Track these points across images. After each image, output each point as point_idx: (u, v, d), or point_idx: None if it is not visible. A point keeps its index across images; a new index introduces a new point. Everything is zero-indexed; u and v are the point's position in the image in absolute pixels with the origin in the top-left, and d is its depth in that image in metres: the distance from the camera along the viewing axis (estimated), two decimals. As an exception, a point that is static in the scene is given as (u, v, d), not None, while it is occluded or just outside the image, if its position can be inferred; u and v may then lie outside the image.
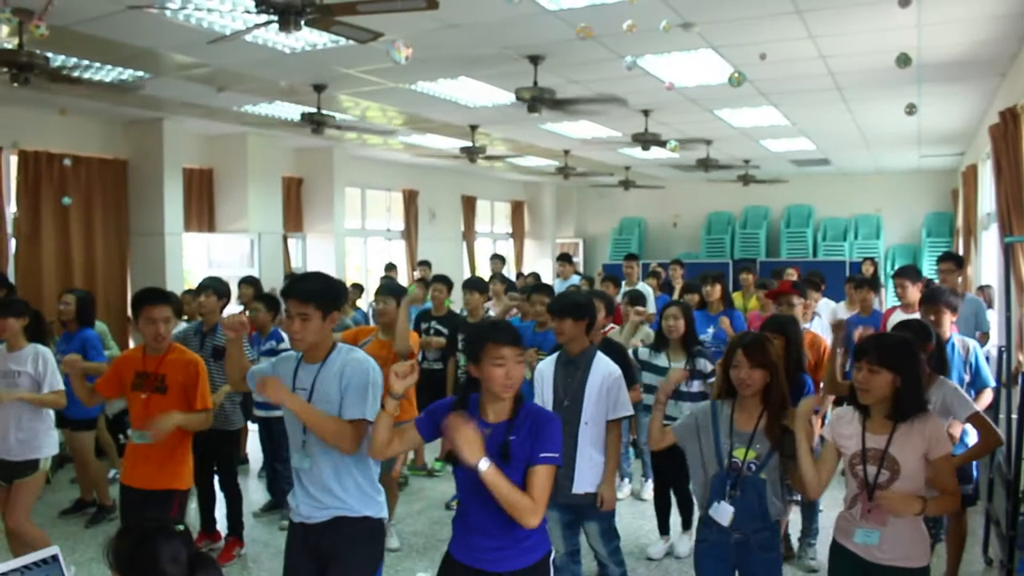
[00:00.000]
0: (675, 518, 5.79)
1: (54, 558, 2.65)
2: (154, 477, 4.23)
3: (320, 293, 3.30)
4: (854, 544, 3.23)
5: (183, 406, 4.19)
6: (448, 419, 2.72)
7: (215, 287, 5.88)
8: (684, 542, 5.64)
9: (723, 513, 3.41)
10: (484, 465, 2.66)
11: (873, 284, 7.33)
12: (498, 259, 12.50)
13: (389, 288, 5.97)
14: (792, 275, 9.50)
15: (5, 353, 4.86)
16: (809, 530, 5.38)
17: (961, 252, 11.54)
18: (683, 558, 5.52)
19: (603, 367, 4.29)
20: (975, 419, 4.09)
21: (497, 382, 2.86)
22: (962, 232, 11.86)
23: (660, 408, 3.76)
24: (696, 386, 5.28)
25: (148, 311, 4.19)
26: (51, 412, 4.97)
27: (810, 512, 5.36)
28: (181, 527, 2.15)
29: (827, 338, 5.82)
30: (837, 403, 4.70)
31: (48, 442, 4.89)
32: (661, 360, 5.48)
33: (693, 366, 5.34)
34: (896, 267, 9.03)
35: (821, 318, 6.86)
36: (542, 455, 2.82)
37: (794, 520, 5.45)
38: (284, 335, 6.58)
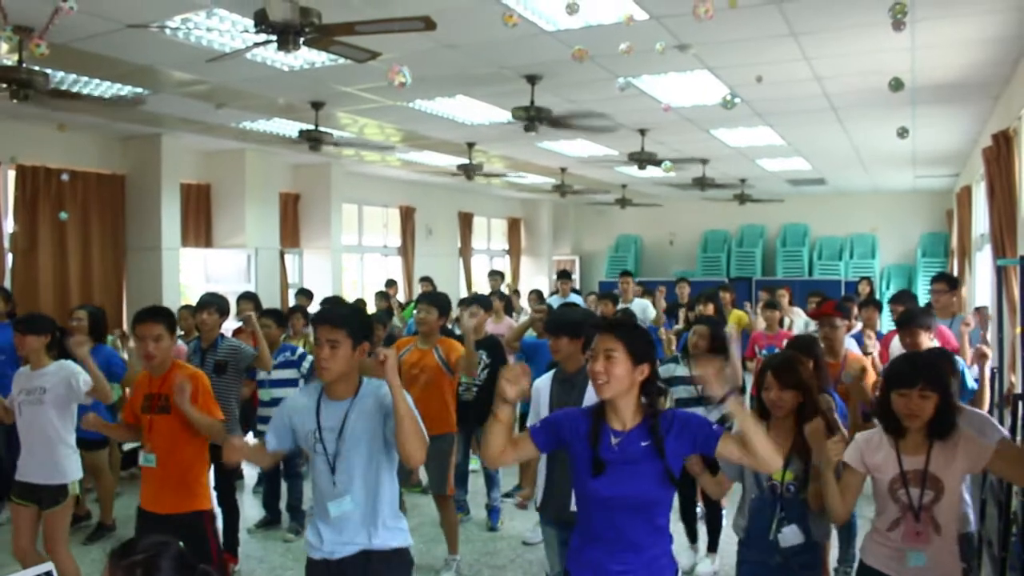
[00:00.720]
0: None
1: (48, 575, 2.67)
2: (174, 500, 4.14)
3: (352, 320, 3.23)
4: (891, 568, 3.16)
5: (187, 424, 4.16)
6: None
7: (217, 304, 5.90)
8: (706, 565, 5.58)
9: (791, 537, 3.39)
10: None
11: (878, 304, 7.32)
12: (497, 275, 12.51)
13: (431, 297, 5.92)
14: (784, 296, 9.53)
15: (29, 372, 4.78)
16: (846, 556, 5.24)
17: (956, 273, 11.58)
18: None
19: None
20: (1004, 445, 4.06)
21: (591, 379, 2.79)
22: (956, 253, 11.91)
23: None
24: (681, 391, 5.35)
25: (138, 329, 4.13)
26: (73, 434, 4.84)
27: (848, 536, 5.23)
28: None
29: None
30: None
31: (74, 465, 4.79)
32: (682, 370, 5.52)
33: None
34: (892, 289, 9.08)
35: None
36: (715, 428, 2.75)
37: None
38: (295, 346, 6.61)
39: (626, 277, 10.18)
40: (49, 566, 2.69)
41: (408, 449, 3.07)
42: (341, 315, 3.27)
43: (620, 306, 9.20)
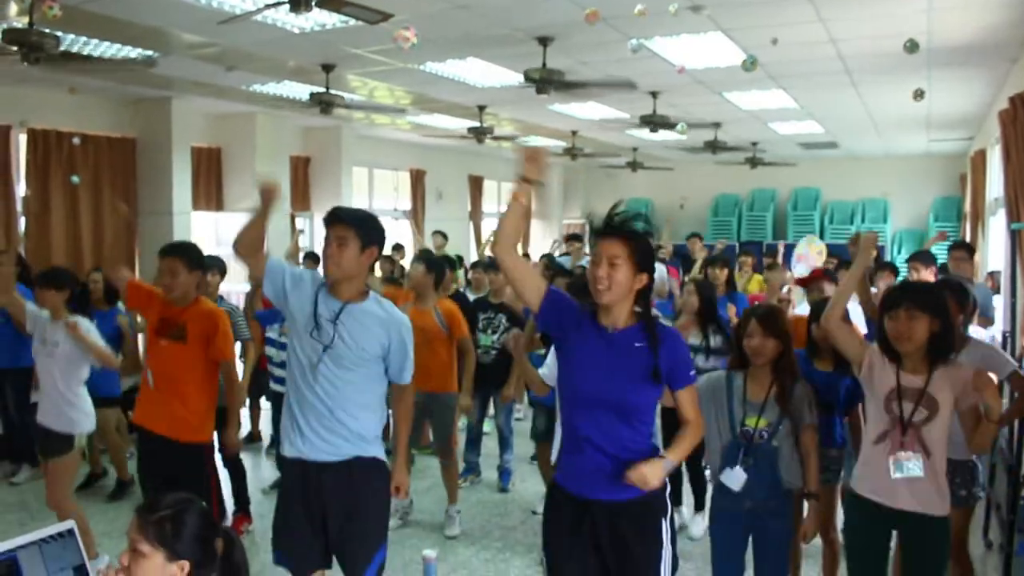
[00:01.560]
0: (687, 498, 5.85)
1: (70, 532, 2.71)
2: (170, 425, 4.21)
3: (363, 221, 3.28)
4: (876, 490, 3.23)
5: (202, 357, 4.21)
6: None
7: (219, 266, 6.01)
8: (697, 523, 5.66)
9: (735, 479, 3.50)
10: (668, 465, 2.75)
11: (893, 268, 7.27)
12: (439, 235, 12.45)
13: (424, 254, 5.99)
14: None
15: (48, 322, 4.93)
16: None
17: (968, 237, 11.54)
18: (696, 539, 5.54)
19: None
20: (1015, 377, 4.06)
21: (589, 281, 2.80)
22: (970, 217, 11.84)
23: None
24: (711, 363, 5.26)
25: (159, 263, 4.26)
26: (83, 388, 4.98)
27: None
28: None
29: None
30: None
31: (85, 419, 4.93)
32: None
33: (708, 344, 5.37)
34: (904, 253, 9.05)
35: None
36: (689, 375, 2.85)
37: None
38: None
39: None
40: (71, 523, 2.73)
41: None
42: (352, 214, 3.32)
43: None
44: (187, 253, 4.30)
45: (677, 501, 5.78)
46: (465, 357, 5.88)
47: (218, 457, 5.80)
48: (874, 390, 3.26)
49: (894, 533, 3.32)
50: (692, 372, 2.85)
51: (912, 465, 3.15)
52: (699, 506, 5.75)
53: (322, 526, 3.32)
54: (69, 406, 4.84)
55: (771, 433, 3.52)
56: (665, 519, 2.85)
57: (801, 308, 6.51)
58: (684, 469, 5.72)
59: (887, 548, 3.35)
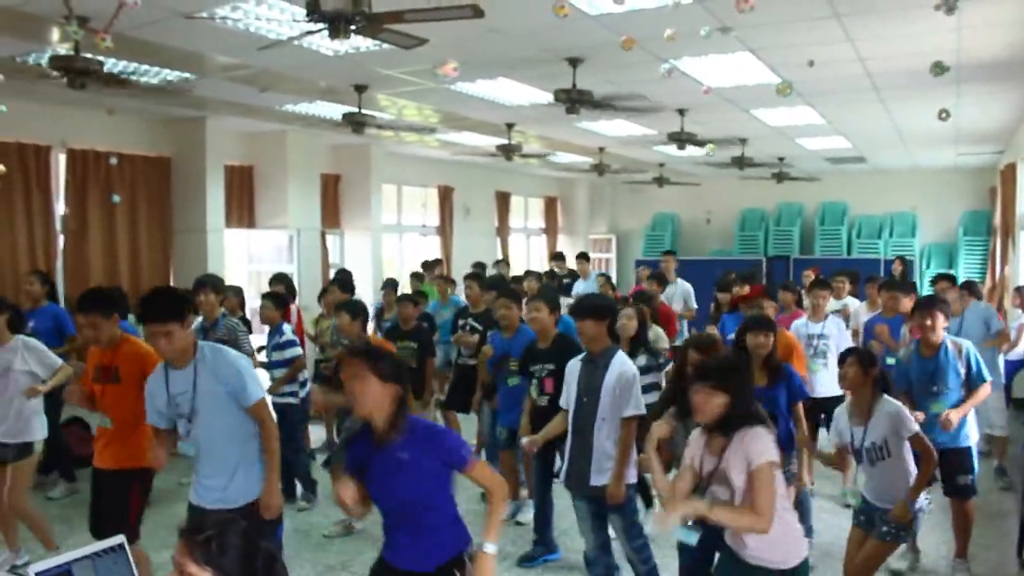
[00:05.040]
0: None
1: (120, 546, 2.81)
2: (121, 457, 4.45)
3: (168, 306, 3.71)
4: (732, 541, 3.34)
5: (138, 395, 4.27)
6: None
7: (212, 284, 6.15)
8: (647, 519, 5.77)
9: (688, 536, 3.53)
10: (490, 550, 3.01)
11: (899, 286, 7.23)
12: (503, 264, 12.59)
13: (347, 305, 6.14)
14: (809, 276, 9.51)
15: None
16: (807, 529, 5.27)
17: (998, 251, 11.48)
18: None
19: (619, 366, 4.46)
20: (915, 439, 4.24)
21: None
22: (1000, 231, 11.78)
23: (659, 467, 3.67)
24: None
25: (80, 318, 4.53)
26: (40, 400, 5.30)
27: (802, 511, 5.19)
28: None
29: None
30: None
31: (40, 425, 5.33)
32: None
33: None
34: (934, 266, 8.99)
35: (835, 316, 6.94)
36: (466, 458, 3.06)
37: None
38: (287, 328, 6.78)
39: (668, 256, 10.17)
40: (121, 538, 2.83)
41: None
42: (158, 306, 3.72)
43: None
44: (98, 304, 4.46)
45: (648, 503, 5.96)
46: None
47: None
48: (696, 468, 3.36)
49: None
50: (466, 449, 3.08)
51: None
52: (648, 503, 5.94)
53: None
54: (25, 419, 5.23)
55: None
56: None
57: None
58: None
59: None
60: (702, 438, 3.33)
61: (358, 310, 5.95)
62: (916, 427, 4.22)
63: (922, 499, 4.21)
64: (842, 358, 4.38)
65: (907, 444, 4.23)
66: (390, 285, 8.93)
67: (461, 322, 7.37)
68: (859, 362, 4.25)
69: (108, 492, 4.47)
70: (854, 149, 12.92)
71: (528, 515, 6.02)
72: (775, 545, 3.20)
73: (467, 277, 7.76)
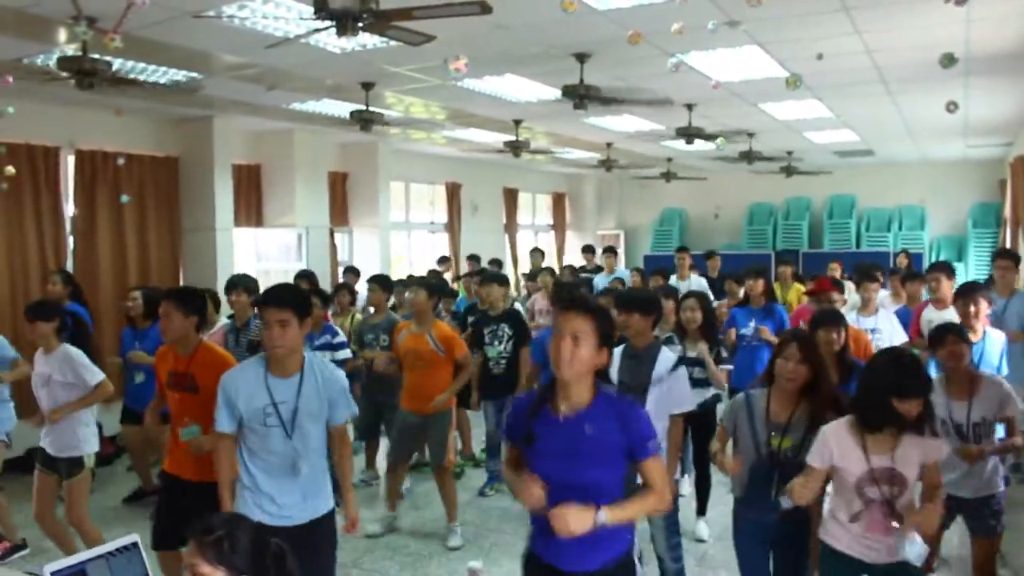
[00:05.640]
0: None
1: (135, 545, 2.81)
2: (204, 467, 4.27)
3: (296, 300, 3.57)
4: (849, 545, 3.31)
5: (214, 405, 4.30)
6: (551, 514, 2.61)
7: (244, 284, 6.09)
8: (701, 528, 5.88)
9: (789, 503, 3.54)
10: (603, 517, 2.62)
11: (942, 268, 7.20)
12: (538, 252, 12.63)
13: (420, 280, 6.16)
14: (835, 270, 9.49)
15: (42, 355, 5.04)
16: None
17: (1008, 244, 11.43)
18: (705, 540, 5.78)
19: (667, 362, 4.39)
20: (1011, 421, 4.19)
21: (552, 356, 2.74)
22: (1010, 223, 11.72)
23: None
24: (697, 372, 5.46)
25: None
26: (88, 414, 5.08)
27: None
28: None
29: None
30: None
31: (90, 437, 5.06)
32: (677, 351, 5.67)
33: (718, 353, 5.62)
34: (944, 258, 8.94)
35: (886, 309, 6.85)
36: (650, 447, 2.75)
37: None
38: (337, 329, 6.76)
39: (683, 253, 10.11)
40: (135, 537, 2.83)
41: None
42: (286, 297, 3.58)
43: (676, 282, 9.23)
44: (182, 299, 4.34)
45: (702, 511, 5.94)
46: (460, 372, 6.03)
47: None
48: (842, 476, 3.28)
49: None
50: (654, 442, 2.77)
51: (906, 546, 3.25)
52: (701, 510, 5.92)
53: None
54: (72, 431, 4.97)
55: (795, 452, 3.56)
56: None
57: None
58: (690, 478, 5.96)
59: None
60: (852, 437, 3.23)
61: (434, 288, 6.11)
62: (1018, 411, 4.16)
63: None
64: (941, 337, 4.25)
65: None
66: (403, 284, 8.95)
67: (471, 319, 7.39)
68: (962, 338, 4.19)
69: (200, 505, 4.34)
70: (862, 142, 12.88)
71: None
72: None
73: (466, 275, 7.78)
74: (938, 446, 3.24)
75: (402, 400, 6.02)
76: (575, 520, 2.59)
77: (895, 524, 3.19)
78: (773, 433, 3.62)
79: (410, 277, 9.31)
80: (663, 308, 4.87)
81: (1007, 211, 12.29)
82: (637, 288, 6.29)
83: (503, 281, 7.15)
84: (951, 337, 4.15)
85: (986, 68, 7.50)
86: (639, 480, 2.84)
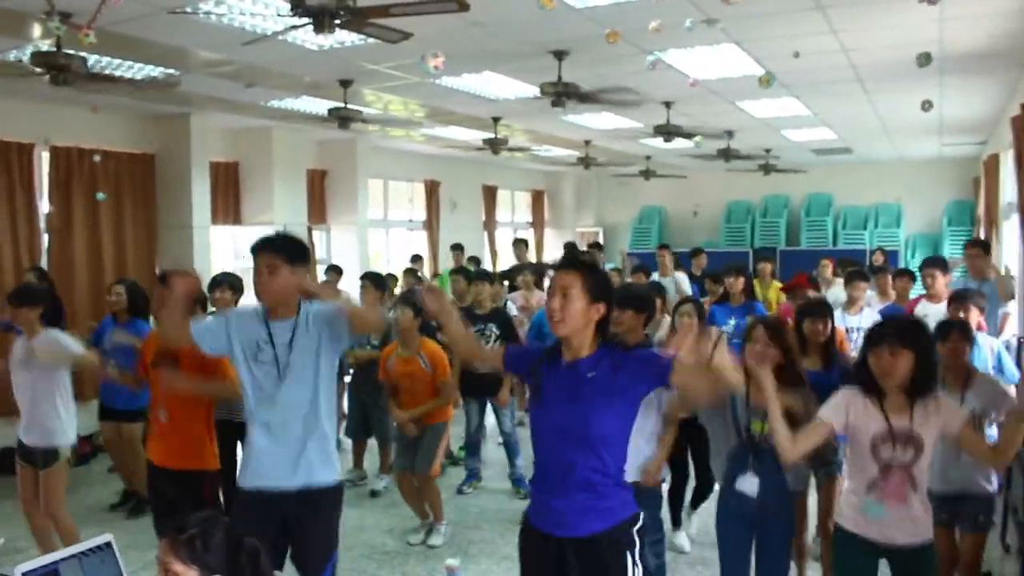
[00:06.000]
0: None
1: (108, 545, 2.80)
2: (181, 456, 4.34)
3: (288, 245, 3.50)
4: (863, 527, 3.28)
5: (197, 376, 4.28)
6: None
7: (229, 282, 6.06)
8: (681, 537, 5.74)
9: (749, 484, 3.59)
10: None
11: (937, 263, 7.32)
12: (522, 244, 12.54)
13: (405, 298, 6.11)
14: (827, 267, 9.55)
15: (24, 342, 4.96)
16: None
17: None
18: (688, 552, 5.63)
19: None
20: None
21: (547, 315, 2.83)
22: (983, 221, 11.84)
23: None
24: None
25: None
26: (70, 403, 5.04)
27: None
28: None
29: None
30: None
31: (69, 431, 5.01)
32: None
33: None
34: (917, 258, 9.03)
35: (872, 308, 6.87)
36: (667, 362, 2.64)
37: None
38: None
39: (664, 250, 10.15)
40: (108, 537, 2.82)
41: (364, 316, 3.51)
42: (276, 242, 3.52)
43: (657, 278, 9.26)
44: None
45: (677, 524, 5.78)
46: (441, 394, 5.91)
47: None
48: (858, 438, 3.27)
49: (881, 561, 3.37)
50: (664, 359, 2.66)
51: (879, 510, 3.25)
52: (695, 505, 5.83)
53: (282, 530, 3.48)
54: (50, 421, 4.92)
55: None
56: (631, 554, 2.80)
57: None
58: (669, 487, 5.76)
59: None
60: (869, 399, 3.25)
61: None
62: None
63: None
64: (945, 332, 4.23)
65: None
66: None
67: (475, 328, 7.25)
68: (965, 336, 4.21)
69: (175, 494, 4.32)
70: (839, 140, 12.97)
71: None
72: (919, 523, 3.26)
73: (452, 272, 7.76)
74: (955, 412, 3.24)
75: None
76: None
77: (913, 491, 3.18)
78: (753, 418, 3.68)
79: (389, 275, 9.28)
80: (655, 305, 4.85)
81: (981, 209, 12.42)
82: (631, 285, 6.31)
83: (493, 280, 7.14)
84: (955, 334, 4.17)
85: (960, 67, 7.58)
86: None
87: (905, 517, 3.22)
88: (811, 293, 6.03)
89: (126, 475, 6.75)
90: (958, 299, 5.18)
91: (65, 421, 5.00)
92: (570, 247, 12.44)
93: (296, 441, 3.44)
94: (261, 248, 3.44)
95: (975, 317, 5.05)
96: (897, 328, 3.27)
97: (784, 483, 3.66)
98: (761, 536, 3.72)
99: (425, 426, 5.84)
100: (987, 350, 5.08)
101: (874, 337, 3.25)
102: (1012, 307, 7.46)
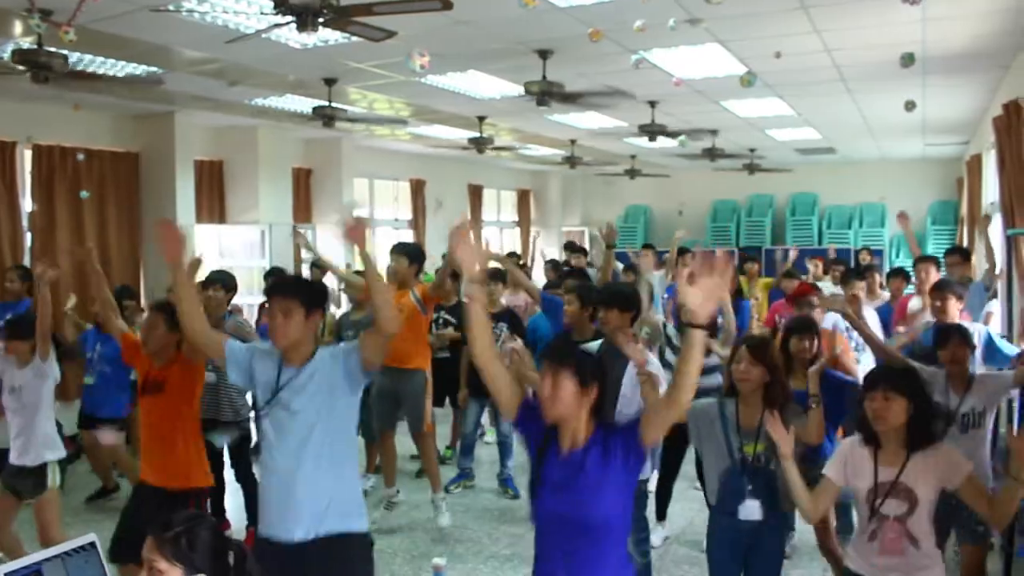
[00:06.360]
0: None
1: (92, 545, 2.79)
2: (173, 475, 4.26)
3: (303, 290, 3.35)
4: (868, 570, 3.22)
5: (181, 405, 4.25)
6: None
7: (223, 281, 6.02)
8: (658, 532, 5.76)
9: (751, 511, 3.59)
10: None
11: (932, 260, 7.41)
12: (513, 257, 12.56)
13: (402, 247, 6.10)
14: (817, 266, 9.59)
15: (15, 368, 4.92)
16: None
17: (965, 241, 11.62)
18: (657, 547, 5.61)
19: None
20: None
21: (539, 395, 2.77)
22: (966, 221, 11.92)
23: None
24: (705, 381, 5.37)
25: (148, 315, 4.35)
26: (51, 418, 5.00)
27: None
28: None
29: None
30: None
31: (55, 448, 4.96)
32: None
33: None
34: (901, 257, 9.09)
35: (865, 307, 6.87)
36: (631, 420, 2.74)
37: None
38: None
39: (647, 250, 10.20)
40: (92, 537, 2.81)
41: (383, 312, 3.27)
42: (292, 286, 3.41)
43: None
44: (172, 313, 4.12)
45: (662, 516, 5.83)
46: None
47: (230, 473, 5.94)
48: (856, 489, 3.25)
49: None
50: (633, 423, 2.77)
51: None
52: (661, 516, 5.83)
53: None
54: (39, 441, 4.88)
55: (768, 458, 3.61)
56: None
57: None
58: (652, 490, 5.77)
59: None
60: (864, 449, 3.22)
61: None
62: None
63: None
64: (945, 338, 4.26)
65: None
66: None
67: (434, 316, 7.36)
68: (964, 341, 4.21)
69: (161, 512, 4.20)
70: (824, 140, 13.03)
71: None
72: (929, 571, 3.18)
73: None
74: (958, 466, 3.11)
75: None
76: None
77: (910, 544, 3.12)
78: (745, 440, 3.65)
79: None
80: (642, 305, 4.84)
81: (964, 209, 12.50)
82: (618, 283, 6.31)
83: (503, 278, 7.12)
84: (955, 339, 4.19)
85: (943, 68, 7.62)
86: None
87: (904, 570, 3.15)
88: (815, 299, 5.93)
89: (104, 475, 6.79)
90: (937, 289, 5.23)
91: (51, 437, 4.97)
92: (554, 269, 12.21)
93: (305, 489, 3.24)
94: (276, 291, 3.34)
95: (954, 306, 5.09)
96: (892, 374, 3.24)
97: (778, 504, 3.65)
98: (752, 553, 3.68)
99: (401, 372, 5.81)
100: (975, 336, 5.11)
101: (869, 382, 3.22)
102: (994, 306, 7.51)
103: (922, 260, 6.63)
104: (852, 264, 11.28)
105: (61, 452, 5.01)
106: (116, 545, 4.08)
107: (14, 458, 4.90)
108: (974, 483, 3.13)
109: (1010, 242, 5.89)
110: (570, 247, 12.80)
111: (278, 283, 3.44)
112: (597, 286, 5.55)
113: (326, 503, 3.24)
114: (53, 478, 4.92)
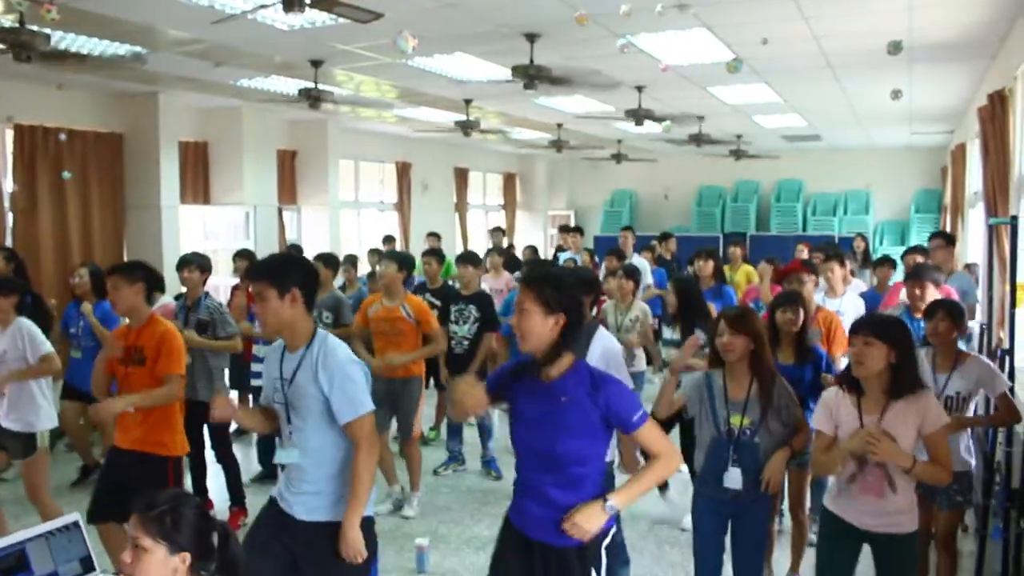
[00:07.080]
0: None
1: (75, 524, 2.79)
2: (146, 440, 4.26)
3: (273, 270, 3.14)
4: (844, 510, 3.34)
5: (160, 377, 4.23)
6: None
7: (198, 262, 6.00)
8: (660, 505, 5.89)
9: (734, 479, 3.65)
10: (613, 504, 2.69)
11: (890, 262, 7.55)
12: (499, 232, 12.59)
13: (391, 254, 6.13)
14: (803, 251, 9.62)
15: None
16: (815, 504, 5.08)
17: (948, 229, 11.68)
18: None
19: (603, 342, 4.36)
20: (1003, 398, 4.19)
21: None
22: (950, 209, 11.99)
23: (674, 378, 4.05)
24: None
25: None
26: (47, 389, 5.00)
27: (819, 487, 5.14)
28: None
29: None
30: None
31: (44, 417, 4.95)
32: (668, 334, 5.82)
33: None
34: (885, 244, 9.14)
35: (852, 291, 6.90)
36: (635, 419, 2.72)
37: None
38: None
39: (626, 232, 10.26)
40: (76, 516, 2.81)
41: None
42: (261, 267, 3.33)
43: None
44: (124, 269, 4.27)
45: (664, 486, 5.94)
46: (429, 344, 6.00)
47: (211, 454, 5.93)
48: (840, 434, 3.33)
49: (864, 546, 3.42)
50: (640, 412, 2.74)
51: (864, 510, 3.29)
52: (663, 486, 5.96)
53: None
54: (25, 408, 4.88)
55: (754, 431, 3.68)
56: (597, 570, 2.80)
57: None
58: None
59: (855, 559, 3.44)
60: (848, 399, 3.30)
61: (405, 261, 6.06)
62: (1006, 387, 4.17)
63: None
64: (932, 312, 4.26)
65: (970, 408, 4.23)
66: (349, 261, 8.85)
67: (455, 308, 7.24)
68: (949, 316, 4.20)
69: (136, 477, 4.16)
70: (810, 127, 13.06)
71: None
72: (903, 516, 3.27)
73: (425, 253, 7.72)
74: (938, 415, 3.22)
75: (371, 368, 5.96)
76: (587, 520, 2.66)
77: (889, 487, 3.22)
78: (732, 412, 3.71)
79: (348, 256, 9.19)
80: (601, 288, 4.89)
81: (947, 198, 12.57)
82: (577, 268, 6.35)
83: (476, 262, 7.12)
84: (940, 312, 4.21)
85: (929, 56, 7.65)
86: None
87: (882, 511, 3.25)
88: (805, 277, 5.96)
89: (83, 451, 6.75)
90: (914, 275, 5.29)
91: (43, 407, 4.97)
92: (532, 254, 12.14)
93: (311, 482, 3.17)
94: (249, 277, 3.31)
95: (931, 293, 5.14)
96: (876, 321, 3.32)
97: (760, 472, 3.71)
98: (737, 523, 3.76)
99: (397, 380, 5.85)
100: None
101: (853, 327, 3.31)
102: (977, 297, 7.58)
103: (911, 251, 6.74)
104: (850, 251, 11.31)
105: (53, 421, 5.03)
106: (94, 505, 4.19)
107: (3, 420, 4.89)
108: (941, 440, 3.20)
109: (992, 231, 5.92)
110: (564, 229, 12.89)
111: (249, 268, 3.38)
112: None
113: (332, 487, 3.16)
114: (43, 442, 4.95)
